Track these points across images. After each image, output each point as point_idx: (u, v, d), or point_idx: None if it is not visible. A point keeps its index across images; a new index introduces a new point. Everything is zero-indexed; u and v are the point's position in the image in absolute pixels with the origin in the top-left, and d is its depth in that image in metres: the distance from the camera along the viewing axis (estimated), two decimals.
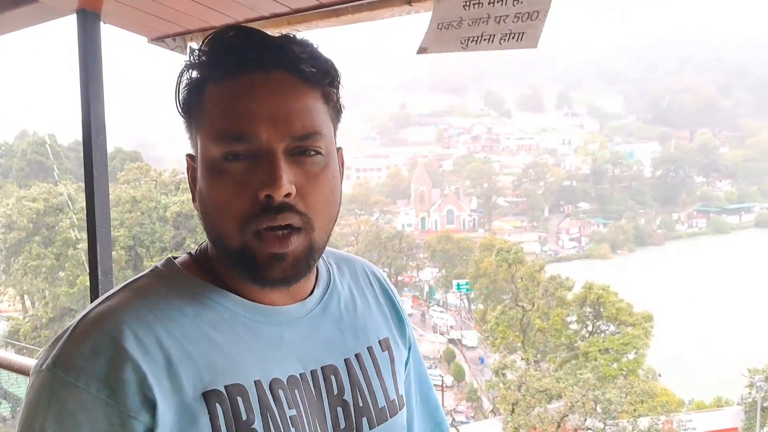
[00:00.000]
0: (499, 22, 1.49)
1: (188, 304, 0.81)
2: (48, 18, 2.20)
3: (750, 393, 26.10)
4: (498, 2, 1.49)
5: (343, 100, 0.88)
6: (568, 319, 30.97)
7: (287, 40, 0.81)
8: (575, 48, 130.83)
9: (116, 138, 67.86)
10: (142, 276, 0.85)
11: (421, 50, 1.62)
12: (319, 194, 0.81)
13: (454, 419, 32.43)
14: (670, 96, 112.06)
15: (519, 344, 31.46)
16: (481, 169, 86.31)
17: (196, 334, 0.79)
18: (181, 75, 0.84)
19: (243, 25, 0.85)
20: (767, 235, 73.02)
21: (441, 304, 51.19)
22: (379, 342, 0.96)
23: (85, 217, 2.23)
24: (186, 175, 0.89)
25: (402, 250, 53.56)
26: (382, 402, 0.92)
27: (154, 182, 32.39)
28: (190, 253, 0.90)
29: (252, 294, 0.84)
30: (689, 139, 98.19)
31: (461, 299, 47.90)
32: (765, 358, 26.59)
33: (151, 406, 0.73)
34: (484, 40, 1.50)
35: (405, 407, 0.98)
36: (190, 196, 0.87)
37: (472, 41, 1.52)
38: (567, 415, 21.00)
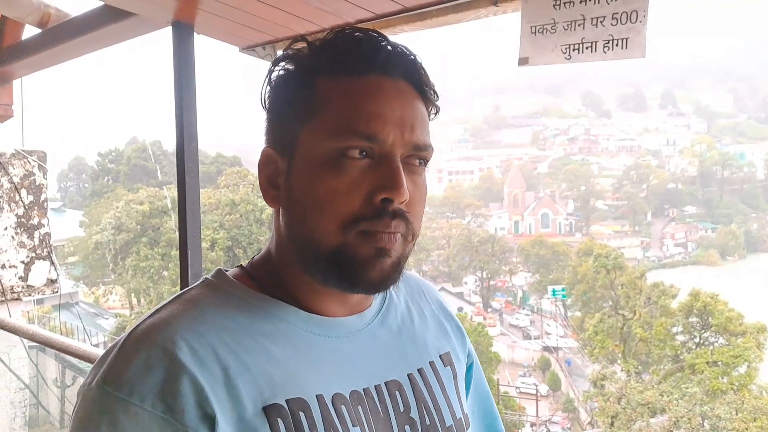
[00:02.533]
0: (596, 25, 1.44)
1: (242, 314, 0.77)
2: (145, 31, 2.32)
3: None
4: (591, 0, 1.45)
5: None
6: (674, 329, 29.55)
7: (409, 51, 0.80)
8: (681, 44, 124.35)
9: (218, 144, 71.28)
10: (192, 288, 0.82)
11: (522, 61, 1.57)
12: (421, 206, 0.80)
13: (549, 430, 31.66)
14: None
15: (619, 354, 30.32)
16: (579, 171, 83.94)
17: (253, 345, 0.75)
18: (275, 68, 0.81)
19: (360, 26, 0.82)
20: None
21: (535, 310, 50.19)
22: (441, 357, 0.93)
23: None
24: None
25: (494, 254, 52.87)
26: (449, 420, 0.87)
27: (251, 186, 33.62)
28: (241, 265, 0.86)
29: (309, 305, 0.81)
30: None
31: (556, 305, 46.77)
32: None
33: (210, 421, 0.68)
34: (587, 48, 1.45)
35: (471, 427, 0.94)
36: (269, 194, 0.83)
37: (574, 50, 1.47)
38: (671, 431, 20.02)
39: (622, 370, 25.73)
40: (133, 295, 35.97)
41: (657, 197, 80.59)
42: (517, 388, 35.59)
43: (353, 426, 0.76)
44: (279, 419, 0.71)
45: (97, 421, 0.69)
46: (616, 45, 1.41)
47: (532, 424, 31.77)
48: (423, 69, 0.81)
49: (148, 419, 0.67)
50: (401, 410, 0.83)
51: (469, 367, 1.03)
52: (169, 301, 0.79)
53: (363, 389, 0.80)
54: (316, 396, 0.75)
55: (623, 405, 21.26)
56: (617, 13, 1.40)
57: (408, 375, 0.86)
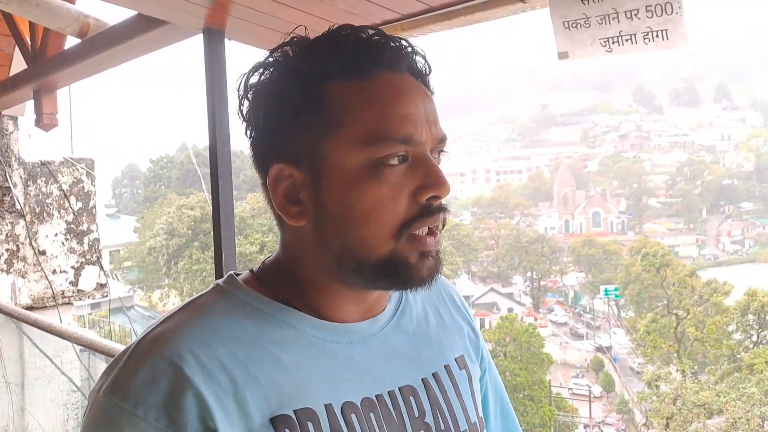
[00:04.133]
0: (631, 18, 1.42)
1: (252, 321, 0.76)
2: (178, 38, 2.35)
3: None
4: None
5: None
6: (729, 327, 28.74)
7: (406, 41, 0.79)
8: (735, 36, 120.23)
9: None
10: (204, 293, 0.81)
11: (562, 56, 1.56)
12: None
13: (602, 431, 31.09)
14: None
15: (674, 354, 29.61)
16: (630, 168, 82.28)
17: (262, 354, 0.74)
18: (264, 75, 0.78)
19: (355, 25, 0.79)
20: None
21: (588, 310, 49.36)
22: (456, 360, 0.91)
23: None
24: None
25: (544, 254, 52.26)
26: (464, 425, 0.86)
27: None
28: (251, 270, 0.84)
29: (324, 310, 0.80)
30: None
31: (609, 305, 45.90)
32: None
33: None
34: (627, 40, 1.44)
35: (485, 430, 0.93)
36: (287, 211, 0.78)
37: (614, 43, 1.46)
38: None
39: (677, 370, 25.11)
40: (188, 297, 36.82)
41: (712, 194, 78.20)
42: (569, 389, 35.19)
43: None
44: (287, 429, 0.71)
45: (102, 429, 0.69)
46: (657, 36, 1.40)
47: (586, 426, 31.29)
48: (422, 57, 0.80)
49: None
50: (416, 415, 0.82)
51: (484, 371, 1.01)
52: (181, 308, 0.78)
53: (376, 396, 0.79)
54: (325, 405, 0.74)
55: (678, 406, 20.90)
56: (650, 5, 1.39)
57: (422, 379, 0.85)
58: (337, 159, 0.74)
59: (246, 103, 0.79)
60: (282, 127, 0.76)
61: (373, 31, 0.77)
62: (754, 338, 27.72)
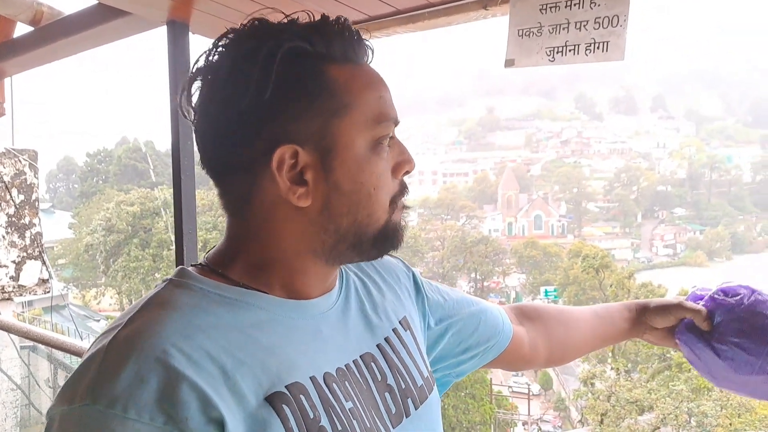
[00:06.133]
0: (580, 29, 1.46)
1: (223, 308, 0.76)
2: (140, 30, 2.30)
3: None
4: (575, 5, 1.47)
5: None
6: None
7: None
8: (672, 49, 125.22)
9: None
10: (159, 290, 0.79)
11: (509, 63, 1.61)
12: None
13: (540, 428, 31.80)
14: None
15: (609, 353, 30.56)
16: (571, 173, 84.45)
17: (241, 338, 0.74)
18: (271, 54, 0.75)
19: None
20: None
21: None
22: (401, 322, 0.96)
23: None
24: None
25: (488, 255, 53.05)
26: (419, 380, 0.92)
27: None
28: (199, 263, 0.84)
29: (287, 290, 0.82)
30: None
31: None
32: None
33: (217, 425, 0.67)
34: (570, 51, 1.48)
35: (435, 382, 0.98)
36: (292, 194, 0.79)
37: (558, 52, 1.50)
38: (659, 428, 20.19)
39: (611, 368, 25.89)
40: (125, 297, 35.81)
41: (647, 199, 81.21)
42: (509, 387, 35.78)
43: (346, 401, 0.79)
44: (284, 405, 0.72)
45: None
46: (597, 48, 1.44)
47: (524, 423, 31.94)
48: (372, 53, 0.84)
49: None
50: (379, 379, 0.87)
51: (449, 317, 1.06)
52: (141, 307, 0.75)
53: (345, 365, 0.83)
54: (310, 378, 0.77)
55: (612, 403, 21.44)
56: (600, 17, 1.43)
57: (377, 345, 0.89)
58: (348, 138, 0.77)
59: (217, 86, 0.77)
60: (284, 108, 0.76)
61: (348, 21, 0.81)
62: None
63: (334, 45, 0.77)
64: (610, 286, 33.25)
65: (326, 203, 0.79)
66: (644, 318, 1.25)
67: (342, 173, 0.78)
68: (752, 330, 1.12)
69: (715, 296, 1.18)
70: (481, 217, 69.97)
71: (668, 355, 28.28)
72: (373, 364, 0.87)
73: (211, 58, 0.77)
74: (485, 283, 53.70)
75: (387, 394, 0.87)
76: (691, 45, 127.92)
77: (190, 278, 0.79)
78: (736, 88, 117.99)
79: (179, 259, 2.22)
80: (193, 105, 0.79)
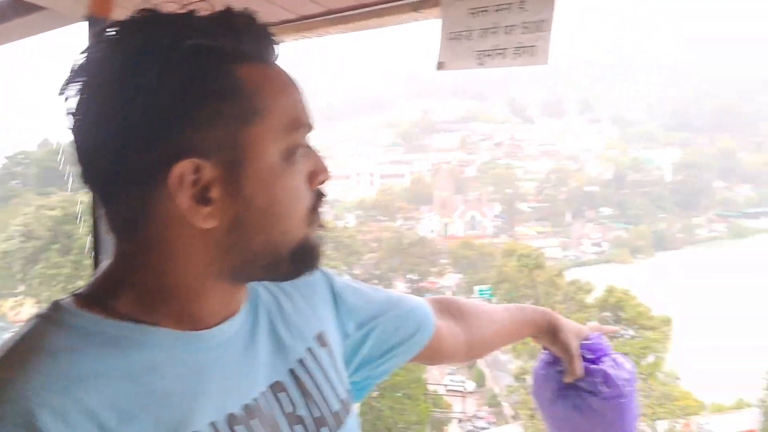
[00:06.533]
0: (508, 33, 1.47)
1: (108, 350, 0.65)
2: (57, 25, 2.21)
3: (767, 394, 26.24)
4: (504, 9, 1.48)
5: None
6: (589, 323, 30.95)
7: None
8: (598, 55, 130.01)
9: None
10: (29, 330, 0.66)
11: (440, 66, 1.59)
12: None
13: (474, 425, 32.47)
14: (691, 102, 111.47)
15: (540, 349, 31.53)
16: (504, 175, 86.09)
17: (131, 387, 0.64)
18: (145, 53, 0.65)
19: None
20: None
21: None
22: (317, 338, 0.89)
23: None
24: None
25: (424, 256, 53.50)
26: (335, 405, 0.85)
27: None
28: (75, 294, 0.73)
29: (184, 318, 0.72)
30: (709, 144, 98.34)
31: None
32: None
33: None
34: (498, 54, 1.48)
35: (353, 401, 0.93)
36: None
37: (487, 56, 1.51)
38: None
39: None
40: (45, 306, 34.28)
41: (576, 199, 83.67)
42: (445, 386, 36.23)
43: None
44: None
45: None
46: (525, 52, 1.44)
47: (460, 421, 32.50)
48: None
49: None
50: (289, 411, 0.79)
51: (369, 322, 1.00)
52: (6, 351, 0.63)
53: (253, 399, 0.75)
54: (211, 424, 0.69)
55: None
56: (527, 22, 1.43)
57: (290, 370, 0.82)
58: (260, 148, 0.68)
59: (102, 89, 0.66)
60: (183, 116, 0.65)
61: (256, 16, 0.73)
62: None
63: (243, 41, 0.68)
64: (542, 284, 34.22)
65: (235, 222, 0.69)
66: (542, 335, 1.25)
67: (253, 187, 0.69)
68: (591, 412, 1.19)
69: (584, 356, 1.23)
70: (418, 218, 70.69)
71: None
72: (283, 394, 0.79)
73: (93, 55, 0.67)
74: (421, 284, 54.03)
75: (298, 427, 0.79)
76: (615, 52, 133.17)
77: (66, 313, 0.68)
78: (657, 92, 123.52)
79: (96, 265, 2.07)
80: (72, 109, 0.68)
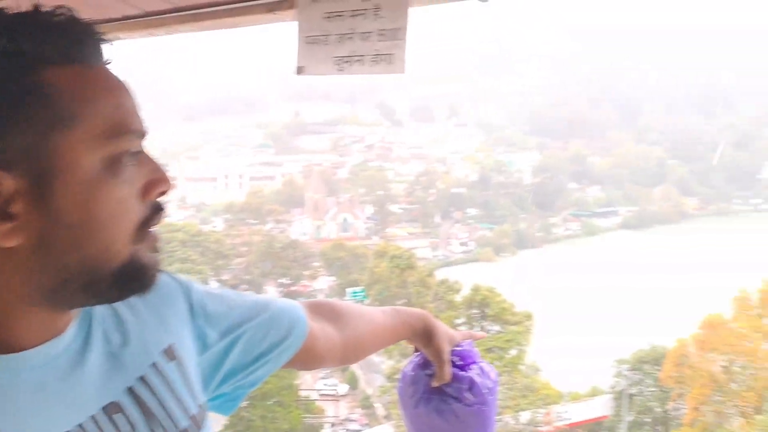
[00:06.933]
0: (365, 40, 1.46)
1: None
2: None
3: (618, 382, 28.46)
4: (359, 15, 1.45)
5: None
6: (457, 321, 31.96)
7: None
8: (464, 62, 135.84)
9: None
10: None
11: (299, 70, 1.58)
12: None
13: (347, 429, 32.39)
14: (547, 109, 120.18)
15: (411, 348, 32.05)
16: (375, 177, 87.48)
17: None
18: None
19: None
20: (632, 235, 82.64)
21: None
22: (164, 352, 0.81)
23: None
24: None
25: (296, 259, 53.31)
26: (183, 422, 0.79)
27: None
28: None
29: (9, 336, 0.66)
30: (564, 148, 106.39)
31: None
32: (630, 348, 29.02)
33: None
34: (357, 61, 1.47)
35: (207, 416, 0.86)
36: None
37: (345, 62, 1.49)
38: None
39: None
40: None
41: (444, 200, 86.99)
42: (318, 390, 36.00)
43: None
44: None
45: None
46: (382, 60, 1.44)
47: (332, 425, 32.29)
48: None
49: None
50: None
51: (234, 331, 0.93)
52: None
53: (80, 425, 0.68)
54: None
55: None
56: (383, 29, 1.42)
57: (128, 389, 0.75)
58: (72, 157, 0.62)
59: None
60: None
61: (76, 14, 0.67)
62: (477, 329, 31.25)
63: (51, 42, 0.63)
64: (413, 284, 34.92)
65: (43, 239, 0.63)
66: (417, 338, 1.24)
67: (65, 201, 0.62)
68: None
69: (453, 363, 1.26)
70: (289, 221, 70.13)
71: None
72: (119, 415, 0.72)
73: None
74: (294, 288, 53.66)
75: None
76: (481, 60, 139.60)
77: None
78: (516, 99, 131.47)
79: None
80: None
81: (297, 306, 1.06)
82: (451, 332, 1.26)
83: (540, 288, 55.03)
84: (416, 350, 1.29)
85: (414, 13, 1.41)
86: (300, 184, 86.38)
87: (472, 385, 1.22)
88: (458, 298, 32.60)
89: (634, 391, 28.55)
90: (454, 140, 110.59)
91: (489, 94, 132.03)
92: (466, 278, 35.65)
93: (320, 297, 54.73)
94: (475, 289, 31.12)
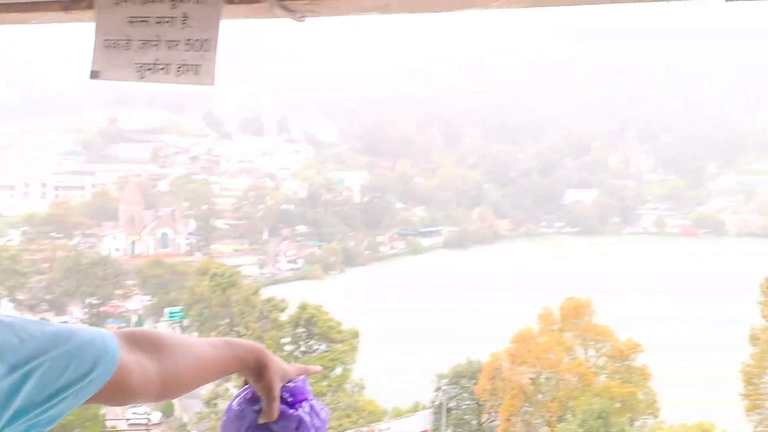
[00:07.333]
0: (171, 48, 1.43)
1: None
2: None
3: (437, 396, 29.23)
4: (166, 23, 1.42)
5: None
6: (284, 340, 31.09)
7: None
8: (291, 75, 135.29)
9: None
10: None
11: (94, 74, 1.51)
12: None
13: None
14: (377, 129, 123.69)
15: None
16: (200, 190, 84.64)
17: None
18: None
19: None
20: (452, 254, 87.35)
21: None
22: None
23: None
24: None
25: (107, 277, 49.92)
26: None
27: None
28: None
29: None
30: (391, 168, 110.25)
31: (173, 328, 45.57)
32: (449, 364, 30.02)
33: None
34: (160, 69, 1.44)
35: None
36: None
37: (148, 69, 1.45)
38: None
39: (235, 386, 25.77)
40: None
41: (273, 217, 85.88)
42: (127, 420, 33.58)
43: None
44: None
45: None
46: (189, 70, 1.42)
47: None
48: None
49: None
50: None
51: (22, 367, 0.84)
52: None
53: None
54: None
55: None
56: (191, 39, 1.40)
57: None
58: None
59: None
60: None
61: None
62: (303, 348, 30.54)
63: None
64: (237, 303, 33.66)
65: None
66: (248, 372, 1.16)
67: None
68: None
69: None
70: (100, 235, 65.89)
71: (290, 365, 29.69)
72: None
73: None
74: (103, 308, 49.98)
75: None
76: (310, 72, 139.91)
77: None
78: (348, 116, 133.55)
79: None
80: None
81: (107, 336, 0.94)
82: (286, 368, 1.19)
83: (367, 306, 55.81)
84: (246, 383, 1.21)
85: (227, 26, 1.39)
86: (114, 195, 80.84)
87: (300, 425, 1.17)
88: (284, 316, 31.82)
89: (452, 404, 29.38)
90: (284, 156, 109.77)
91: (320, 110, 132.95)
92: (295, 296, 35.02)
93: (133, 317, 51.22)
94: (303, 307, 30.65)
